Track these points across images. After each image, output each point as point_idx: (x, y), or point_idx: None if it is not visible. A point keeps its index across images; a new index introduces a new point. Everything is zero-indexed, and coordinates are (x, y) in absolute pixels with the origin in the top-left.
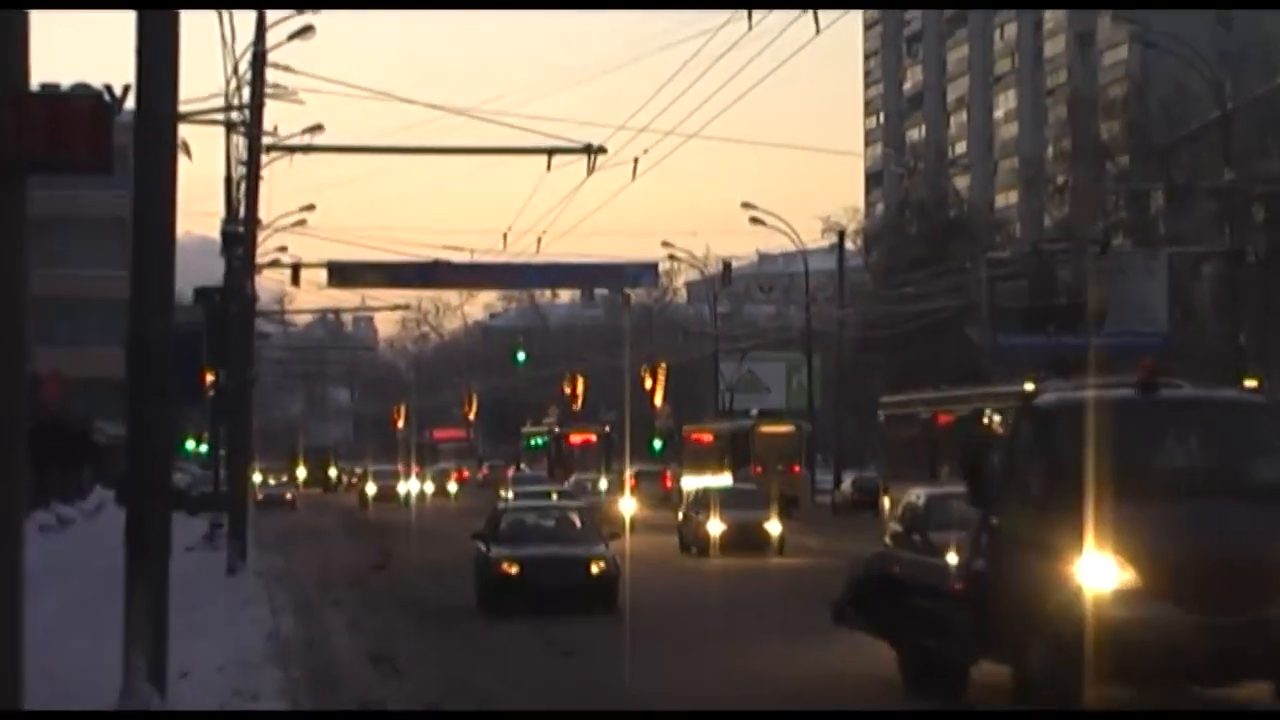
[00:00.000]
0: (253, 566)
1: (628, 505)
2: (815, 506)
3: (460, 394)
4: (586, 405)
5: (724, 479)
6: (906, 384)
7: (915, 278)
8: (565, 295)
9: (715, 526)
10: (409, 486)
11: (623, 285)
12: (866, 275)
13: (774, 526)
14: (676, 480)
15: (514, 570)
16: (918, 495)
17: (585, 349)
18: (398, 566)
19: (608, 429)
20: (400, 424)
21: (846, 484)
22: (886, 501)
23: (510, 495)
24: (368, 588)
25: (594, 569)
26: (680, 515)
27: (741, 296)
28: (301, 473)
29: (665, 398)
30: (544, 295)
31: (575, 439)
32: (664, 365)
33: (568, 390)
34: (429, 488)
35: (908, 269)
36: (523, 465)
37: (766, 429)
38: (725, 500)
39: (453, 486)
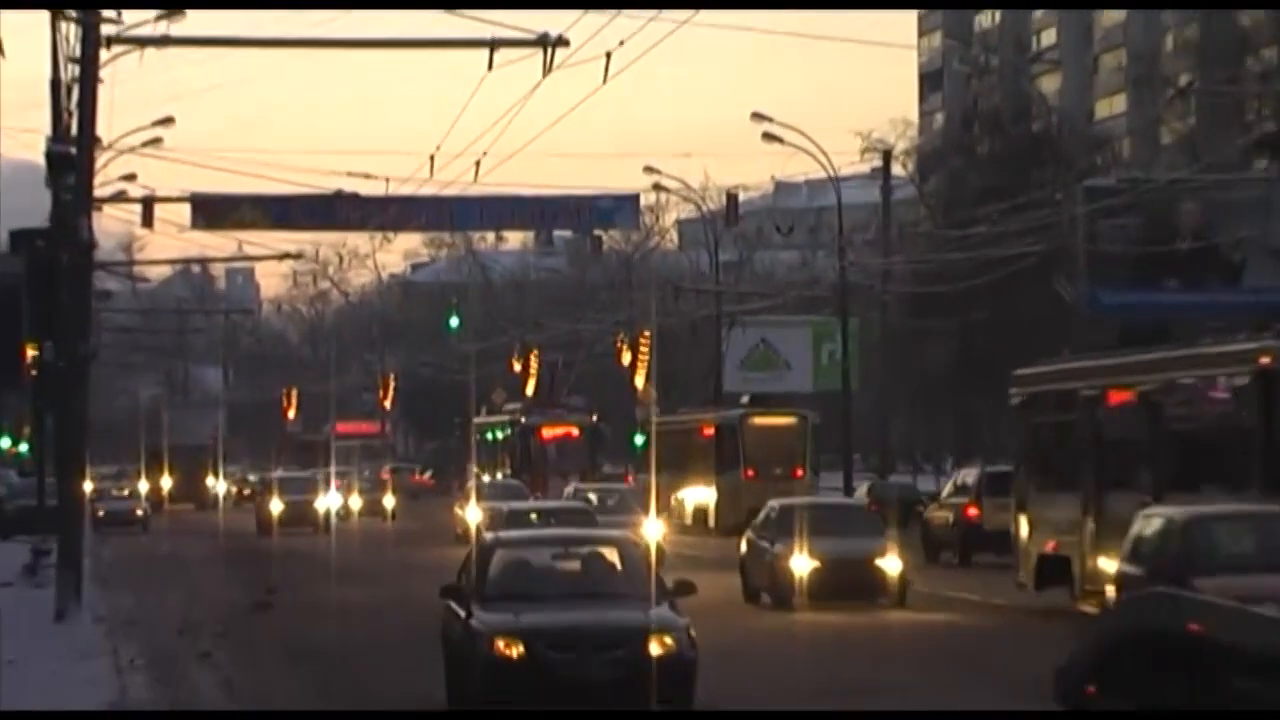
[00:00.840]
0: (91, 609)
1: (654, 529)
2: None
3: (373, 374)
4: (543, 387)
5: (703, 488)
6: (973, 357)
7: (986, 213)
8: (514, 239)
9: (803, 564)
10: (329, 502)
11: (591, 226)
12: (920, 210)
13: (891, 563)
14: (642, 484)
15: (517, 651)
16: (1175, 518)
17: (541, 312)
18: (292, 605)
19: (595, 419)
20: (291, 414)
21: (861, 491)
22: (1024, 523)
23: (480, 515)
24: (250, 635)
25: (656, 646)
26: (743, 545)
27: (753, 240)
28: (166, 482)
29: (650, 377)
30: (485, 239)
31: (550, 432)
32: (647, 334)
33: (518, 367)
34: (356, 503)
35: (975, 202)
36: (475, 468)
37: (759, 421)
38: (817, 522)
39: (390, 501)
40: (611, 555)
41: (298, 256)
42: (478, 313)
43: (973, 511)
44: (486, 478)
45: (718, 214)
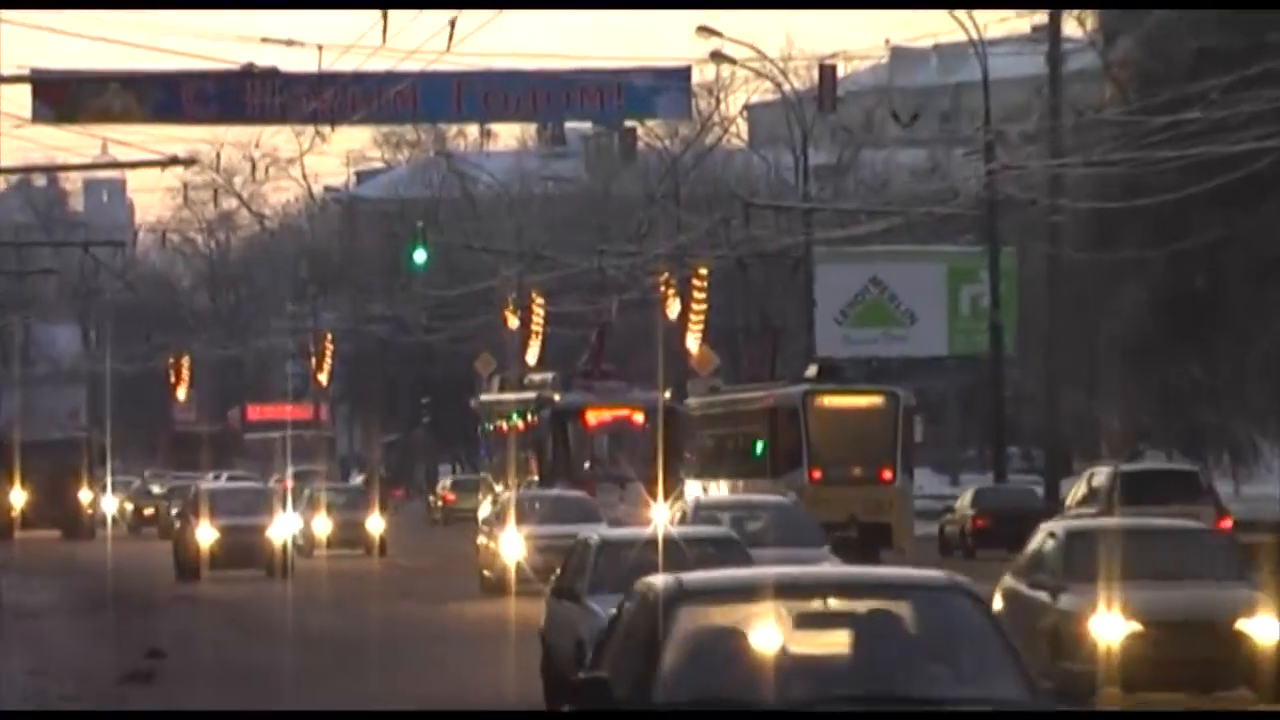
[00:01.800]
0: None
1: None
2: (922, 543)
3: (302, 334)
4: (551, 350)
5: (757, 493)
6: (1185, 302)
7: (1203, 91)
8: (508, 135)
9: (1113, 627)
10: (285, 528)
11: (621, 115)
12: (1105, 88)
13: (1265, 628)
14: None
15: None
16: None
17: (548, 240)
18: (187, 672)
19: (668, 397)
20: (180, 393)
21: (965, 500)
22: None
23: (516, 543)
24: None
25: None
26: (997, 595)
27: (858, 134)
28: (17, 497)
29: (708, 336)
30: (464, 136)
31: (599, 417)
32: (704, 271)
33: (513, 322)
34: (324, 527)
35: (1188, 74)
36: (487, 473)
37: (830, 402)
38: (1133, 557)
39: (376, 524)
40: (918, 616)
41: (189, 163)
42: (454, 243)
43: None
44: (500, 486)
45: (806, 96)
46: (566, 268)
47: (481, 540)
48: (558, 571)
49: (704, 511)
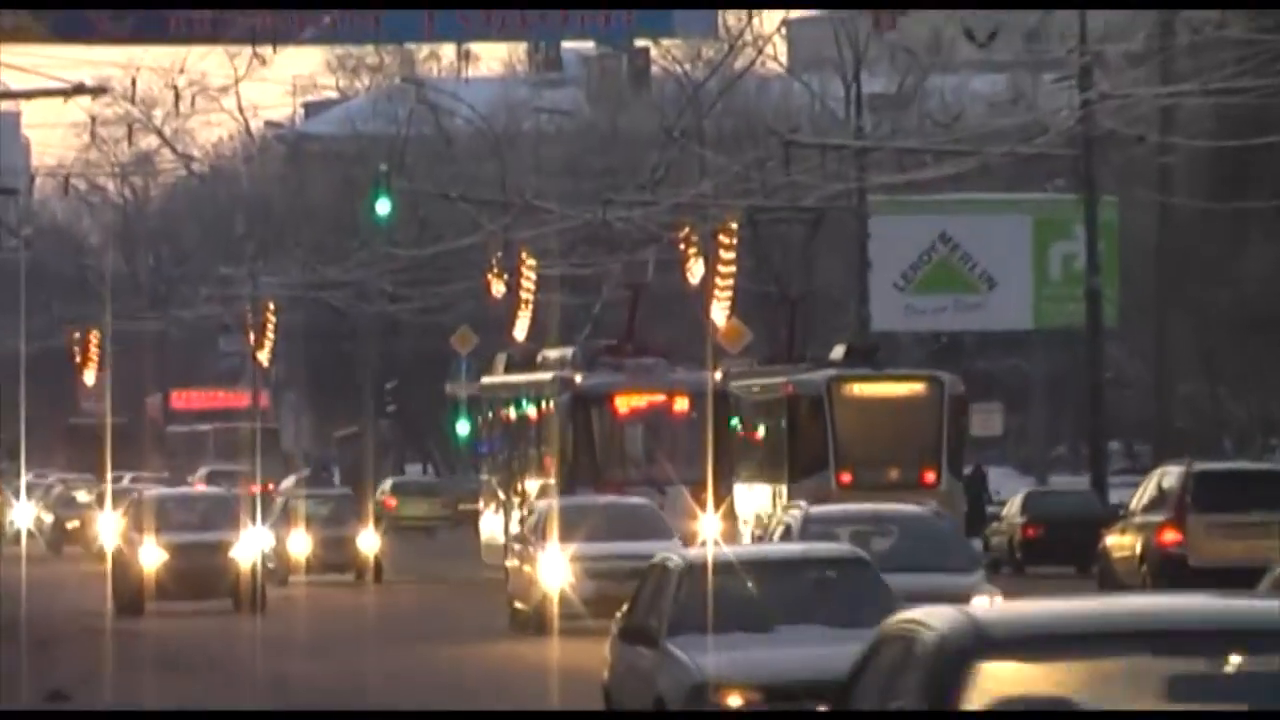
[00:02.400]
0: None
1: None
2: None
3: (237, 304)
4: (543, 320)
5: (766, 502)
6: None
7: None
8: (491, 58)
9: None
10: (253, 547)
11: (631, 34)
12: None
13: None
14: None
15: None
16: None
17: (541, 186)
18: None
19: (721, 377)
20: (88, 374)
21: (1014, 506)
22: None
23: (560, 566)
24: None
25: None
26: None
27: (923, 56)
28: None
29: (736, 307)
30: (437, 59)
31: (631, 403)
32: (734, 226)
33: (498, 288)
34: (302, 546)
35: None
36: (487, 476)
37: (860, 390)
38: None
39: (369, 541)
40: None
41: (98, 92)
42: (426, 192)
43: (1169, 536)
44: (504, 492)
45: (860, 10)
46: (564, 221)
47: (512, 563)
48: (624, 607)
49: (816, 525)
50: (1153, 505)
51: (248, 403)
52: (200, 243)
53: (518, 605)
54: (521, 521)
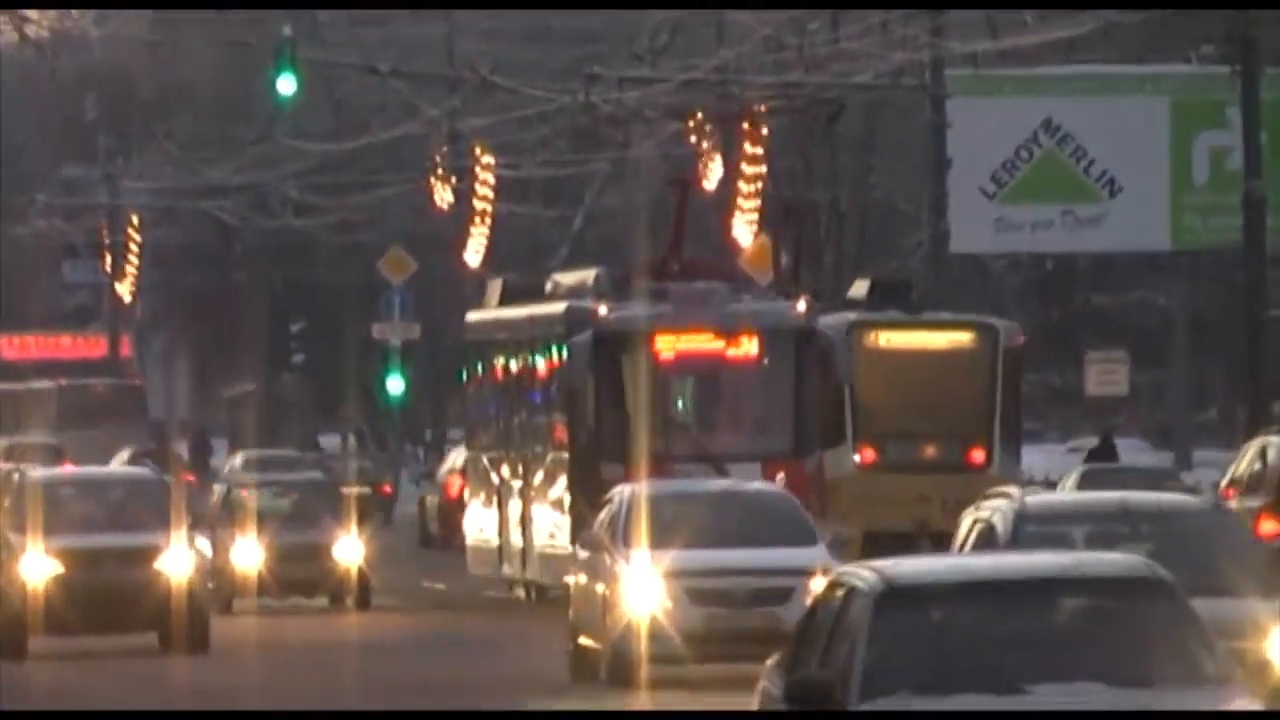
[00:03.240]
0: None
1: None
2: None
3: (89, 219)
4: (508, 244)
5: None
6: None
7: None
8: None
9: None
10: (181, 557)
11: None
12: None
13: None
14: None
15: None
16: None
17: (501, 56)
18: None
19: (803, 309)
20: None
21: (1067, 486)
22: None
23: (653, 585)
24: None
25: None
26: None
27: None
28: None
29: (764, 221)
30: None
31: (676, 344)
32: (760, 108)
33: (443, 194)
34: (252, 554)
35: None
36: (474, 453)
37: (886, 339)
38: None
39: (350, 551)
40: None
41: None
42: (344, 64)
43: (1268, 527)
44: (498, 471)
45: None
46: (532, 105)
47: (576, 580)
48: (778, 655)
49: (1035, 525)
50: (1250, 485)
51: (104, 351)
52: (37, 134)
53: (583, 642)
54: (569, 512)
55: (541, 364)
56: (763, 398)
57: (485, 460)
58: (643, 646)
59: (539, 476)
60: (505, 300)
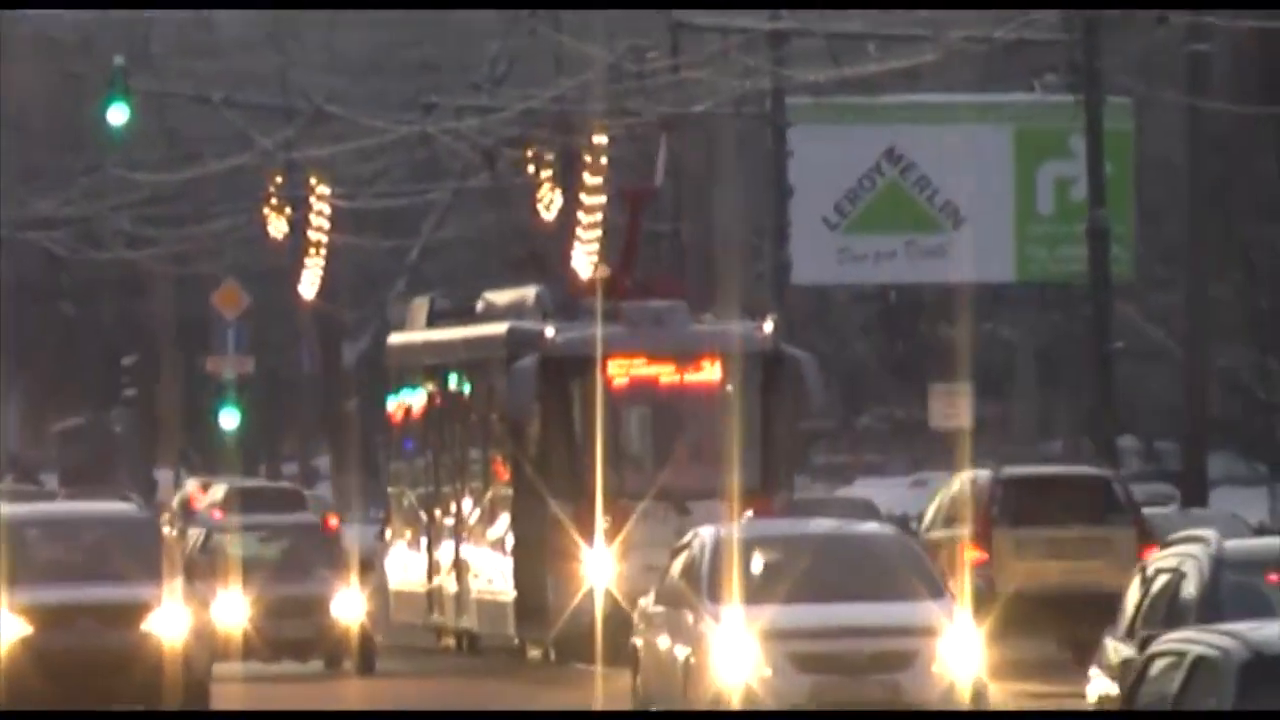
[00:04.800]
0: None
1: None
2: None
3: None
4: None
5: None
6: None
7: None
8: None
9: None
10: (172, 616)
11: None
12: None
13: None
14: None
15: None
16: None
17: (337, 85)
18: None
19: (769, 330)
20: None
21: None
22: None
23: (748, 650)
24: None
25: None
26: None
27: None
28: None
29: (605, 250)
30: None
31: (632, 369)
32: (599, 139)
33: (277, 225)
34: (236, 610)
35: None
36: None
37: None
38: None
39: (351, 606)
40: None
41: None
42: (177, 94)
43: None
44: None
45: None
46: (369, 136)
47: (640, 640)
48: None
49: (1237, 571)
50: (951, 519)
51: None
52: None
53: (656, 711)
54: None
55: (479, 391)
56: (727, 428)
57: (412, 497)
58: None
59: (476, 515)
60: (433, 321)
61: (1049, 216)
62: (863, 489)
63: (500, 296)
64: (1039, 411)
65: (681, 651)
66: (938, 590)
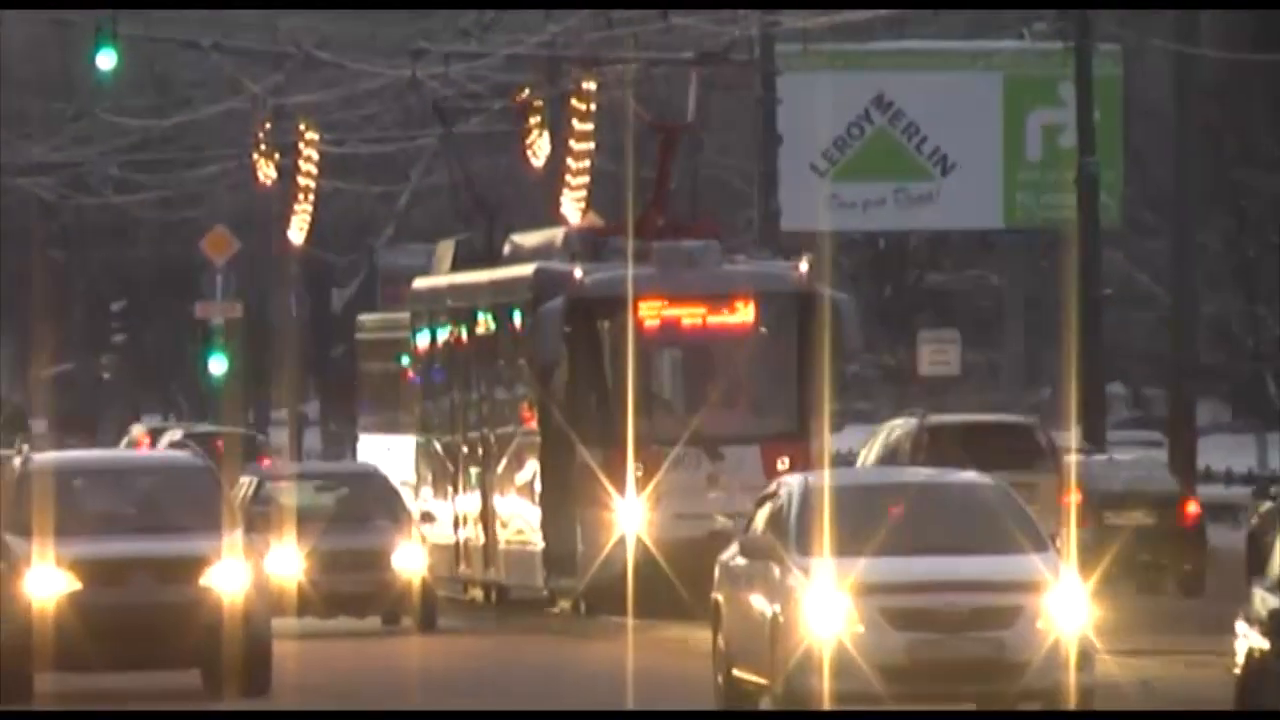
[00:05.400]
0: None
1: None
2: None
3: None
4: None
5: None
6: None
7: None
8: None
9: None
10: (236, 569)
11: None
12: None
13: None
14: None
15: None
16: None
17: (325, 32)
18: None
19: (806, 265)
20: None
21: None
22: None
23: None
24: None
25: None
26: None
27: None
28: None
29: (590, 202)
30: None
31: (665, 311)
32: (588, 84)
33: (267, 171)
34: (290, 562)
35: None
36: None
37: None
38: None
39: (412, 558)
40: None
41: None
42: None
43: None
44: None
45: None
46: (358, 81)
47: (722, 595)
48: None
49: None
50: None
51: None
52: None
53: (740, 674)
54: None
55: (506, 335)
56: (761, 371)
57: (437, 445)
58: (825, 682)
59: (503, 463)
60: (458, 265)
61: (1037, 163)
62: (851, 437)
63: (528, 238)
64: (1027, 359)
65: (768, 607)
66: (1041, 543)
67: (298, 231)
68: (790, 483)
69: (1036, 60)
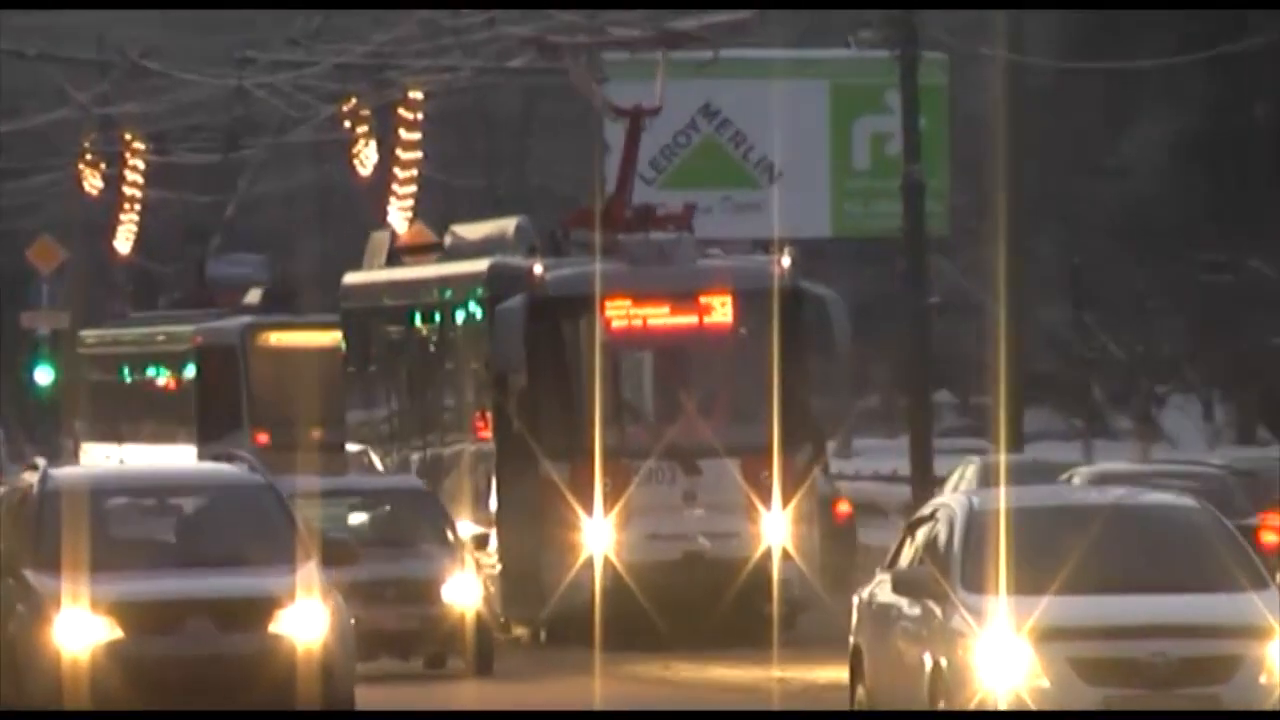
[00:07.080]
0: None
1: None
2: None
3: None
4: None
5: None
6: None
7: None
8: None
9: None
10: (312, 615)
11: None
12: None
13: None
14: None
15: None
16: None
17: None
18: None
19: (789, 261)
20: None
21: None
22: None
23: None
24: None
25: None
26: None
27: None
28: None
29: (420, 207)
30: None
31: (632, 312)
32: (415, 94)
33: (93, 180)
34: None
35: None
36: None
37: (277, 339)
38: None
39: (466, 588)
40: None
41: None
42: None
43: None
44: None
45: None
46: (185, 91)
47: (862, 639)
48: None
49: None
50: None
51: None
52: None
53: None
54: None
55: (457, 337)
56: (742, 376)
57: (374, 458)
58: None
59: (451, 478)
60: (394, 259)
61: (865, 172)
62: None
63: (472, 230)
64: (854, 368)
65: (928, 656)
66: (1260, 579)
67: (124, 241)
68: (950, 504)
69: (863, 68)
